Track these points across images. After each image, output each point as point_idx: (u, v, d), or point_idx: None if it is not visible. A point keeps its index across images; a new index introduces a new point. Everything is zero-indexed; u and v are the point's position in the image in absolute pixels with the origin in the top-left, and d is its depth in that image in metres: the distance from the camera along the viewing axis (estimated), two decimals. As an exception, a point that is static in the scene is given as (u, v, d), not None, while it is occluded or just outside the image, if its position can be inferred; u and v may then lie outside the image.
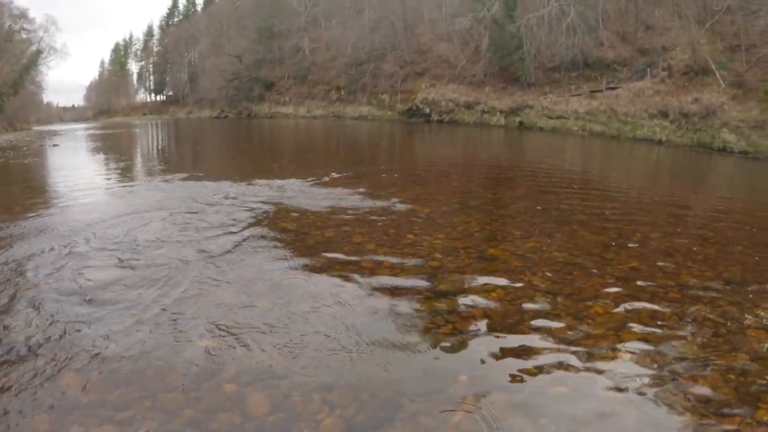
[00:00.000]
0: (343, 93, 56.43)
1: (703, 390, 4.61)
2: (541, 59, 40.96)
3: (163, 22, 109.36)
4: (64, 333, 5.34)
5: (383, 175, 14.54)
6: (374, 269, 7.20)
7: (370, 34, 54.59)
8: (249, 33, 69.82)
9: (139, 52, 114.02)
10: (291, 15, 67.05)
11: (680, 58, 34.61)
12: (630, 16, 41.34)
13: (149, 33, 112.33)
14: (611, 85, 36.85)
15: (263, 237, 8.63)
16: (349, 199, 11.23)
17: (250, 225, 9.35)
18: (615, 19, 42.27)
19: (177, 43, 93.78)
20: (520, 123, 39.66)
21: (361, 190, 12.22)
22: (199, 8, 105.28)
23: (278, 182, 13.01)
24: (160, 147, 26.03)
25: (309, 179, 13.33)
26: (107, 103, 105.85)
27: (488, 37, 44.41)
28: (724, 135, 27.66)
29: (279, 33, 66.44)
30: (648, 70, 35.82)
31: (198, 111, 77.17)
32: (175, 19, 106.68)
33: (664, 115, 31.30)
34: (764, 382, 4.79)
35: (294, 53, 64.68)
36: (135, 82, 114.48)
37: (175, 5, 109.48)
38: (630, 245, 8.69)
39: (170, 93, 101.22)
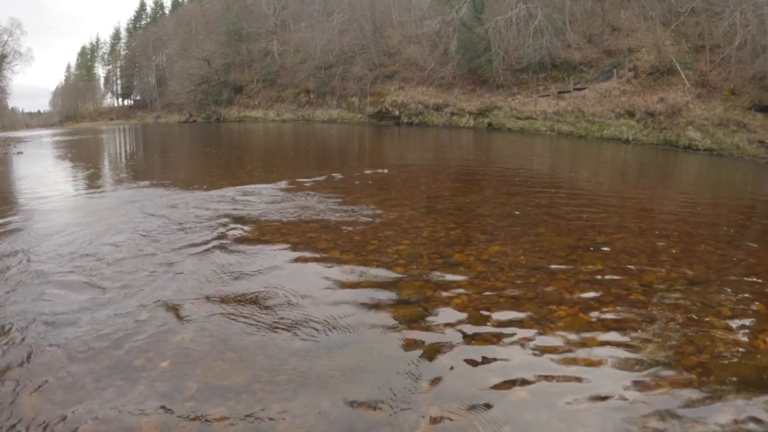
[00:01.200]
0: (312, 96, 56.13)
1: (665, 392, 4.58)
2: (509, 61, 41.16)
3: (131, 26, 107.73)
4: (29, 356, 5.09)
5: (350, 180, 14.36)
6: (338, 277, 7.05)
7: (339, 36, 54.39)
8: (217, 36, 69.16)
9: (106, 56, 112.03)
10: (259, 18, 66.62)
11: (646, 59, 35.12)
12: (596, 18, 41.77)
13: (116, 36, 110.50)
14: (578, 86, 37.26)
15: (225, 246, 8.38)
16: (316, 205, 11.04)
17: (212, 233, 9.10)
18: (582, 21, 42.67)
19: (144, 46, 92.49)
20: (489, 124, 39.83)
21: (328, 195, 12.04)
22: (167, 11, 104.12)
23: (244, 188, 12.76)
24: (126, 154, 25.51)
25: (276, 185, 13.11)
26: (74, 109, 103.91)
27: (457, 39, 44.50)
28: (690, 133, 28.17)
29: (247, 36, 65.97)
30: (614, 70, 36.29)
31: (166, 115, 76.12)
32: (143, 23, 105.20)
33: (631, 114, 31.81)
34: (727, 382, 4.77)
35: (263, 56, 64.27)
36: (102, 86, 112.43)
37: (142, 8, 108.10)
38: (595, 247, 8.66)
39: (138, 97, 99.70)
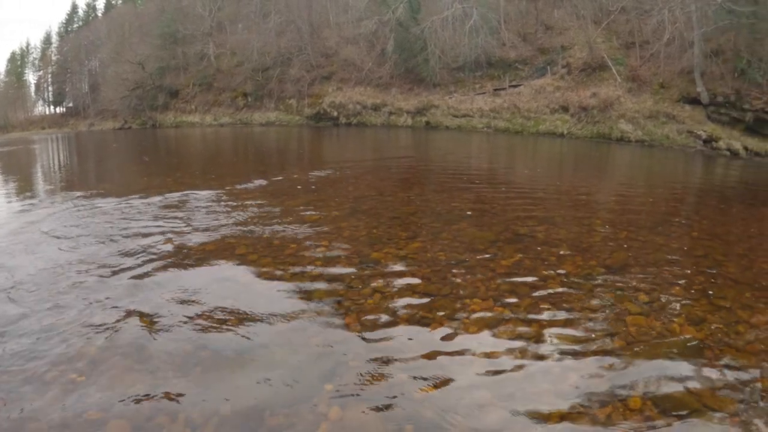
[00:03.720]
0: (249, 99, 55.11)
1: (576, 380, 4.53)
2: (446, 60, 41.30)
3: (62, 29, 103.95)
4: None
5: (280, 184, 13.93)
6: (252, 281, 6.75)
7: (276, 38, 53.64)
8: (152, 39, 67.18)
9: (36, 62, 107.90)
10: (195, 20, 65.16)
11: (578, 56, 35.90)
12: (530, 18, 42.43)
13: (47, 40, 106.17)
14: (514, 83, 37.78)
15: (142, 254, 7.91)
16: (240, 210, 10.55)
17: (131, 241, 8.61)
18: (516, 20, 43.31)
19: (77, 51, 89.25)
20: (427, 123, 39.84)
21: (255, 200, 11.59)
22: (99, 14, 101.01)
23: (171, 195, 12.05)
24: (58, 164, 24.35)
25: (204, 191, 12.52)
26: (3, 118, 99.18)
27: (393, 39, 44.50)
28: (622, 126, 28.98)
29: (183, 39, 64.42)
30: (548, 68, 36.94)
31: (100, 123, 73.65)
32: (75, 26, 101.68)
33: (565, 109, 32.49)
34: (637, 368, 4.73)
35: (199, 59, 62.86)
36: (33, 93, 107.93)
37: (74, 11, 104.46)
38: (516, 239, 8.58)
39: (70, 104, 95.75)
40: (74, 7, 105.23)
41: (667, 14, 31.11)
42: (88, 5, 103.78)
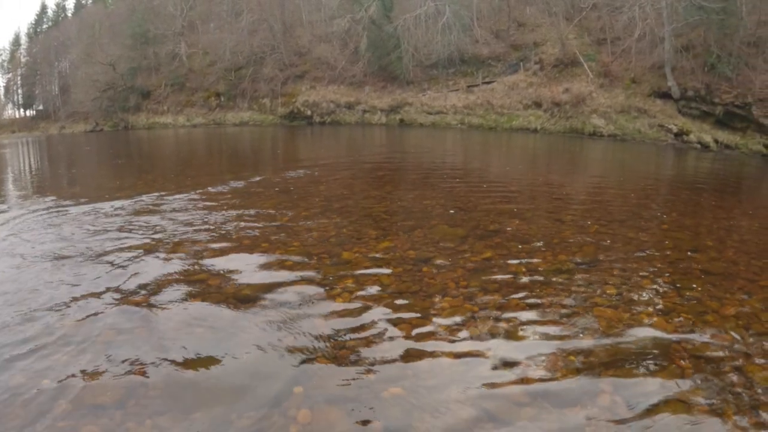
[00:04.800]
0: (222, 99, 54.51)
1: (544, 375, 4.50)
2: (419, 57, 41.28)
3: (31, 30, 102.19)
4: None
5: (251, 185, 13.68)
6: (218, 286, 6.53)
7: (248, 37, 53.13)
8: (123, 39, 66.07)
9: (5, 64, 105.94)
10: (166, 19, 64.28)
11: (551, 52, 36.13)
12: (503, 15, 42.54)
13: (16, 42, 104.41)
14: (487, 80, 37.92)
15: (109, 259, 7.67)
16: (210, 212, 10.33)
17: (101, 245, 8.38)
18: (489, 17, 43.42)
19: (46, 52, 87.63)
20: (401, 120, 39.79)
21: (225, 201, 11.38)
22: (69, 14, 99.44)
23: (142, 199, 11.73)
24: (28, 169, 23.81)
25: (175, 194, 12.23)
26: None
27: (366, 37, 44.41)
28: (594, 120, 29.26)
29: (154, 39, 63.55)
30: (521, 64, 37.10)
31: (71, 125, 72.16)
32: (44, 26, 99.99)
33: (538, 105, 32.75)
34: (606, 360, 4.70)
35: (170, 59, 62.05)
36: (2, 96, 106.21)
37: (43, 11, 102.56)
38: (487, 235, 8.54)
39: (40, 107, 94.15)
40: (43, 7, 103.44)
41: (638, 11, 31.46)
42: (57, 5, 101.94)
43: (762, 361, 4.75)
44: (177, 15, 63.72)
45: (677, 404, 4.11)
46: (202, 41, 60.76)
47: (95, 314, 5.67)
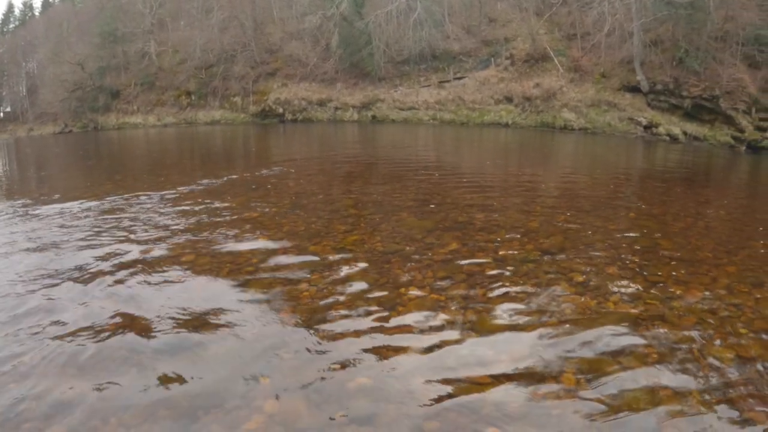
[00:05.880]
0: (193, 98, 53.77)
1: (510, 364, 4.49)
2: (391, 54, 41.23)
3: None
4: None
5: (222, 183, 13.46)
6: (188, 281, 6.48)
7: (219, 34, 52.53)
8: (91, 38, 65.10)
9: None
10: (135, 17, 63.35)
11: (521, 47, 36.29)
12: (474, 10, 42.61)
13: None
14: (458, 76, 37.99)
15: (77, 259, 7.56)
16: (180, 211, 10.18)
17: (69, 246, 8.20)
18: (460, 13, 43.46)
19: (13, 52, 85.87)
20: (373, 117, 39.73)
21: (196, 200, 11.16)
22: (36, 12, 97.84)
23: (112, 199, 11.48)
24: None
25: (144, 194, 11.95)
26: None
27: (338, 34, 44.17)
28: (565, 114, 29.57)
29: (123, 37, 62.56)
30: (492, 59, 37.22)
31: (40, 127, 70.78)
32: (11, 26, 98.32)
33: (509, 100, 32.97)
34: (571, 346, 4.71)
35: (140, 58, 61.17)
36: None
37: (10, 10, 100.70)
38: (455, 227, 8.54)
39: (8, 109, 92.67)
40: (10, 6, 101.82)
41: (608, 6, 31.79)
42: (24, 4, 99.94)
43: (726, 342, 4.79)
44: (146, 12, 62.88)
45: (643, 387, 4.12)
46: (172, 39, 60.09)
47: (61, 312, 5.61)
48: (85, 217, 10.02)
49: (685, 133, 27.03)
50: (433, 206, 10.14)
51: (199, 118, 51.87)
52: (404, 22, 40.60)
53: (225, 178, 14.23)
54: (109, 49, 63.12)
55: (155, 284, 6.40)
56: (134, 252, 7.60)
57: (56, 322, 5.39)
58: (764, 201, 12.53)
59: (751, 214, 10.76)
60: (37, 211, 10.79)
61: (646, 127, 27.93)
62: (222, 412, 3.93)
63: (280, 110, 44.27)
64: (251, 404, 4.01)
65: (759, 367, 4.44)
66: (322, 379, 4.33)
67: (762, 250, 7.57)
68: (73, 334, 5.13)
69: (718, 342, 4.78)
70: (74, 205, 11.01)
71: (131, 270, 6.86)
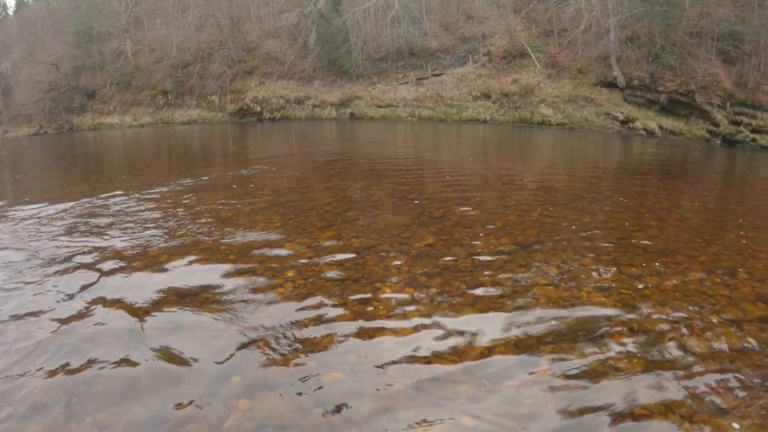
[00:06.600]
0: (170, 97, 53.24)
1: (484, 356, 4.49)
2: (368, 51, 41.10)
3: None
4: None
5: (198, 183, 13.27)
6: (163, 279, 6.41)
7: (195, 33, 52.08)
8: (66, 37, 64.45)
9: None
10: (111, 16, 62.64)
11: (499, 44, 36.36)
12: (451, 7, 42.63)
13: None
14: (436, 72, 37.94)
15: (50, 257, 7.49)
16: (156, 211, 10.06)
17: (44, 247, 8.09)
18: (437, 10, 43.43)
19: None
20: (351, 114, 39.57)
21: (172, 200, 11.04)
22: (11, 12, 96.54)
23: (88, 201, 11.28)
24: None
25: (120, 195, 11.72)
26: None
27: (315, 31, 43.95)
28: (542, 110, 29.73)
29: (98, 36, 61.82)
30: (470, 56, 37.24)
31: (14, 129, 69.57)
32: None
33: (487, 96, 33.02)
34: (546, 338, 4.74)
35: (116, 57, 60.48)
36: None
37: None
38: (431, 222, 8.51)
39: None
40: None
41: (584, 3, 32.05)
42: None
43: (698, 331, 4.83)
44: (122, 11, 62.25)
45: (616, 377, 4.14)
46: (148, 38, 59.45)
47: (37, 313, 5.58)
48: (60, 218, 9.86)
49: (661, 128, 27.32)
50: (410, 202, 10.09)
51: (176, 117, 51.41)
52: (382, 20, 40.49)
53: (203, 178, 14.08)
54: (84, 49, 62.32)
55: (126, 282, 6.34)
56: (108, 252, 7.52)
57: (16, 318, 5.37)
58: (738, 192, 12.61)
59: (725, 205, 10.83)
60: (9, 213, 10.60)
61: (622, 122, 28.16)
62: (195, 412, 3.90)
63: (258, 109, 43.98)
64: (226, 403, 3.99)
65: (731, 354, 4.47)
66: (297, 374, 4.33)
67: (735, 240, 7.62)
68: (44, 338, 5.07)
69: (690, 330, 4.81)
70: (49, 208, 10.83)
71: (103, 269, 6.79)
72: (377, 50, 40.79)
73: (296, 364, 4.46)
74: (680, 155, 20.05)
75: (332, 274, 6.31)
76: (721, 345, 4.59)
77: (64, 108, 61.17)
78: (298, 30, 46.29)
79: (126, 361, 4.60)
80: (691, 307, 5.21)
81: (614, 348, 4.51)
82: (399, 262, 6.59)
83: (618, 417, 3.73)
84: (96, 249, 7.69)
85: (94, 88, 61.12)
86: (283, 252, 7.20)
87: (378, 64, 41.10)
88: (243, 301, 5.68)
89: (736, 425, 3.64)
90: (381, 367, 4.39)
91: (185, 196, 11.42)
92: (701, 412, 3.76)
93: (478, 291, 5.65)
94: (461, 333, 4.85)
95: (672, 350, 4.49)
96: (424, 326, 5.00)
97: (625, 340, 4.63)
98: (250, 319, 5.25)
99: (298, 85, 43.27)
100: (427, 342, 4.72)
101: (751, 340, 4.69)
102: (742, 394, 3.96)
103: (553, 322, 4.97)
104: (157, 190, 12.38)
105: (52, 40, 67.41)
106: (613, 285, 5.76)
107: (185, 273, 6.58)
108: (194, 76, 50.40)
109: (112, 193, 12.06)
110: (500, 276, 6.04)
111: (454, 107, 34.36)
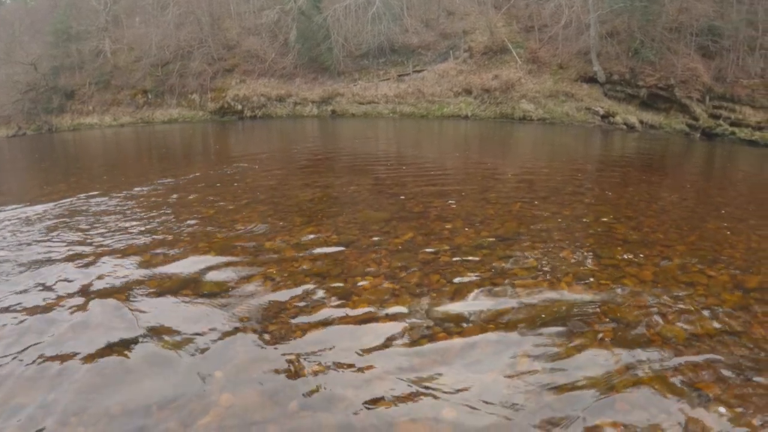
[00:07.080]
0: (150, 96, 52.75)
1: (463, 348, 4.52)
2: (349, 48, 41.01)
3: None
4: None
5: (179, 182, 13.11)
6: (143, 278, 6.32)
7: (175, 31, 51.63)
8: (44, 36, 63.77)
9: None
10: (89, 14, 61.93)
11: (480, 40, 36.39)
12: (432, 4, 42.65)
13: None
14: (417, 69, 37.90)
15: (30, 259, 7.32)
16: (136, 211, 9.90)
17: (25, 249, 7.91)
18: (418, 6, 43.41)
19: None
20: (333, 111, 39.47)
21: (151, 200, 10.88)
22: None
23: (67, 202, 11.09)
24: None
25: (100, 196, 11.53)
26: None
27: (296, 29, 43.80)
28: (523, 105, 29.85)
29: (77, 35, 61.16)
30: (451, 52, 37.24)
31: (-8, 130, 69.42)
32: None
33: (468, 92, 33.06)
34: (525, 329, 4.74)
35: (94, 57, 59.83)
36: None
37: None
38: (411, 217, 8.51)
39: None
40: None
41: (564, -1, 32.04)
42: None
43: (678, 319, 4.87)
44: (101, 9, 61.60)
45: (596, 364, 4.17)
46: (127, 36, 58.85)
47: (20, 312, 5.49)
48: (39, 220, 9.71)
49: (641, 122, 27.51)
50: (389, 197, 10.09)
51: (157, 117, 50.97)
52: (363, 16, 40.40)
53: (185, 177, 13.95)
54: (62, 48, 61.60)
55: (103, 284, 6.23)
56: (89, 252, 7.42)
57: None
58: (717, 184, 12.73)
59: (704, 197, 10.93)
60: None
61: (603, 117, 28.33)
62: (178, 407, 3.89)
63: (239, 107, 43.76)
64: (207, 398, 3.98)
65: (709, 342, 4.50)
66: (278, 369, 4.32)
67: (713, 231, 7.67)
68: (26, 334, 5.03)
69: (670, 319, 4.84)
70: (27, 209, 10.67)
71: (85, 268, 6.74)
72: (358, 47, 40.69)
73: (278, 359, 4.45)
74: (660, 149, 20.19)
75: (312, 269, 6.28)
76: (698, 332, 4.62)
77: (42, 109, 60.37)
78: (279, 27, 46.09)
79: (106, 356, 4.57)
80: (670, 297, 5.23)
81: (594, 337, 4.52)
82: (379, 257, 6.57)
83: (597, 402, 3.75)
84: (76, 247, 7.62)
85: (73, 88, 60.44)
86: (264, 247, 7.18)
87: (359, 61, 41.02)
88: (224, 296, 5.65)
89: (722, 409, 3.68)
90: (361, 360, 4.38)
91: (167, 195, 11.33)
92: (680, 399, 3.78)
93: (458, 285, 5.64)
94: (441, 323, 4.86)
95: (652, 338, 4.51)
96: (404, 316, 5.02)
97: (603, 327, 4.65)
98: (231, 314, 5.24)
99: (278, 83, 43.08)
100: (408, 336, 4.71)
101: (727, 327, 4.72)
102: (719, 380, 3.98)
103: (533, 310, 4.99)
104: (138, 189, 12.25)
105: (30, 39, 66.61)
106: (593, 274, 5.78)
107: (167, 269, 6.53)
108: (174, 74, 49.97)
109: (91, 193, 11.91)
110: (480, 269, 6.04)
111: (435, 103, 34.35)
